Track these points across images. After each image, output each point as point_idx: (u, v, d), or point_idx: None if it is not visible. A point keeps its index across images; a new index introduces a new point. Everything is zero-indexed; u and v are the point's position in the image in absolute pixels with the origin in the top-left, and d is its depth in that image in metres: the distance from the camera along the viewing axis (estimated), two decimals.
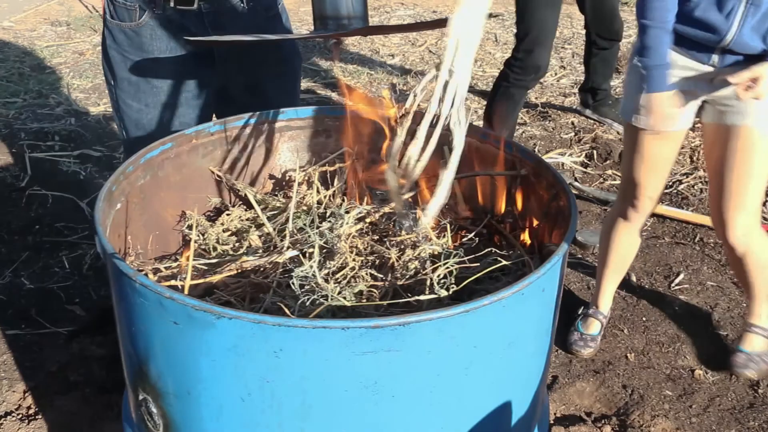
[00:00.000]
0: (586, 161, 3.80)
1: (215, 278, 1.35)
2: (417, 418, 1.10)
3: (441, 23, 1.43)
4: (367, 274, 1.23)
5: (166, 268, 1.43)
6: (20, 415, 2.28)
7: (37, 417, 2.25)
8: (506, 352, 1.13)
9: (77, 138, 3.91)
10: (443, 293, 1.19)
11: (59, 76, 4.71)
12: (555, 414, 2.33)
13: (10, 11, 5.80)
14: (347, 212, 1.37)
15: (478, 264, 1.33)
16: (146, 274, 1.26)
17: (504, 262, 1.35)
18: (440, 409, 1.11)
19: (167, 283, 1.26)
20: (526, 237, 1.45)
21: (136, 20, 1.82)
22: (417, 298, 1.18)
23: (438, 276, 1.21)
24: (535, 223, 1.45)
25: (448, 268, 1.22)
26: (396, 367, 1.04)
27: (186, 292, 1.26)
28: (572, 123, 4.11)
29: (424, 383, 1.07)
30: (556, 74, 4.80)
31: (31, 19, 5.78)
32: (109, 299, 2.73)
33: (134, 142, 1.94)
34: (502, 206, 1.50)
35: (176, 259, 1.47)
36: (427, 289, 1.21)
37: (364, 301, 1.21)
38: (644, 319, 2.74)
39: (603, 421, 2.29)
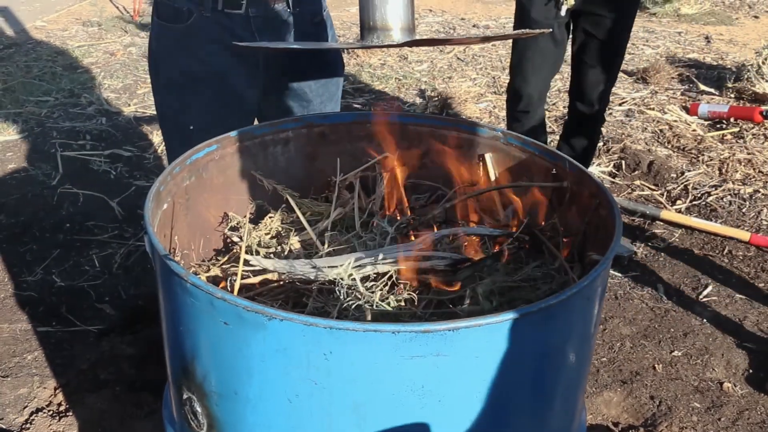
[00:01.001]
0: (614, 171, 3.79)
1: (256, 279, 1.37)
2: (462, 423, 1.11)
3: (487, 39, 1.42)
4: (409, 285, 1.24)
5: (207, 269, 1.45)
6: (51, 412, 2.31)
7: (67, 414, 2.28)
8: (550, 360, 1.14)
9: (108, 137, 3.96)
10: (487, 305, 1.20)
11: (91, 75, 4.76)
12: None
13: (42, 11, 5.88)
14: (390, 225, 1.38)
15: (520, 272, 1.33)
16: (197, 274, 1.27)
17: (539, 273, 1.35)
18: (484, 413, 1.12)
19: (221, 285, 1.27)
20: (567, 247, 1.45)
21: (184, 21, 1.83)
22: (461, 308, 1.18)
23: (483, 291, 1.22)
24: (577, 232, 1.46)
25: (493, 284, 1.22)
26: (443, 371, 1.04)
27: (236, 293, 1.27)
28: (601, 133, 4.10)
29: (471, 388, 1.08)
30: None
31: (63, 19, 5.85)
32: (138, 298, 2.77)
33: (174, 142, 1.96)
34: (543, 216, 1.51)
35: (218, 261, 1.48)
36: (468, 299, 1.22)
37: (407, 309, 1.22)
38: (672, 330, 2.73)
39: None
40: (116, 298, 2.78)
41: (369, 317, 1.12)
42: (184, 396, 1.24)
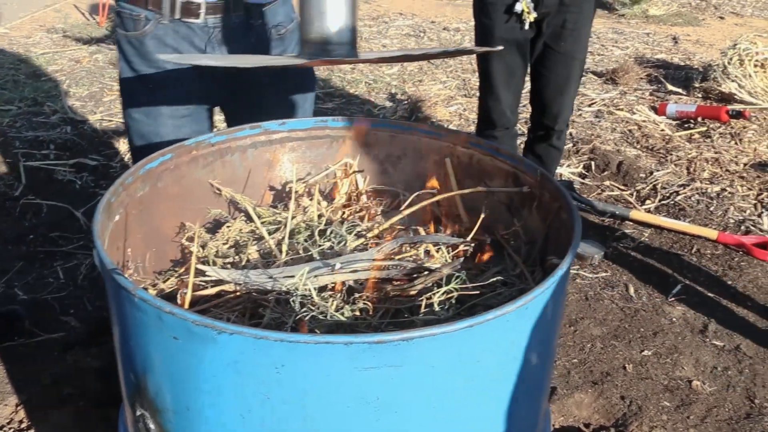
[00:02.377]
0: (584, 172, 3.80)
1: (213, 290, 1.34)
2: None
3: (429, 56, 1.39)
4: (367, 296, 1.21)
5: (164, 281, 1.42)
6: (12, 430, 2.26)
7: (29, 431, 2.23)
8: (510, 366, 1.12)
9: (73, 147, 3.89)
10: (443, 315, 1.18)
11: (55, 83, 4.69)
12: (554, 425, 2.32)
13: (5, 17, 5.79)
14: (348, 232, 1.36)
15: (480, 278, 1.32)
16: (146, 288, 1.25)
17: (499, 278, 1.34)
18: (443, 424, 1.10)
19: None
20: (528, 251, 1.44)
21: (141, 29, 1.81)
22: (417, 318, 1.16)
23: (438, 298, 1.20)
24: (539, 236, 1.44)
25: (449, 293, 1.21)
26: (398, 382, 1.03)
27: (187, 306, 1.24)
28: (570, 134, 4.12)
29: (427, 398, 1.06)
30: None
31: (27, 25, 5.77)
32: (104, 310, 2.71)
33: (140, 154, 1.89)
34: (506, 221, 1.49)
35: (175, 272, 1.45)
36: (423, 307, 1.20)
37: (364, 319, 1.20)
38: (642, 330, 2.73)
39: None
40: (82, 310, 2.73)
41: (322, 329, 1.10)
42: (137, 413, 1.21)
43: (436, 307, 1.18)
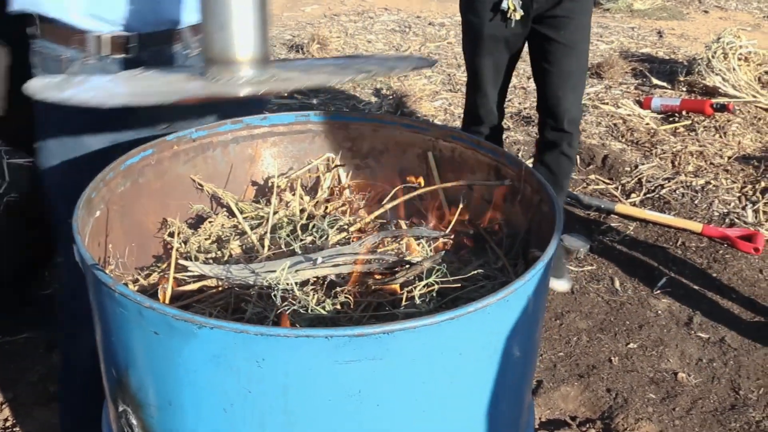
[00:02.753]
0: None
1: (196, 286, 1.34)
2: (402, 426, 1.09)
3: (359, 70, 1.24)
4: (348, 290, 1.21)
5: (146, 276, 1.42)
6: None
7: (14, 429, 2.22)
8: (492, 359, 1.12)
9: None
10: (424, 308, 1.18)
11: None
12: (540, 418, 2.33)
13: None
14: (330, 226, 1.36)
15: (462, 272, 1.32)
16: (126, 284, 1.24)
17: (481, 271, 1.35)
18: (426, 417, 1.10)
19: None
20: (511, 244, 1.45)
21: (65, 71, 1.57)
22: (398, 311, 1.17)
23: (419, 291, 1.20)
24: (521, 229, 1.45)
25: (429, 286, 1.21)
26: (380, 375, 1.03)
27: (167, 301, 1.24)
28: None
29: (409, 391, 1.06)
30: None
31: None
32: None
33: (61, 208, 1.57)
34: (487, 213, 1.50)
35: (157, 268, 1.45)
36: (404, 300, 1.21)
37: (345, 312, 1.20)
38: (628, 323, 2.75)
39: (587, 425, 2.30)
40: None
41: (304, 323, 1.10)
42: (120, 408, 1.20)
43: (417, 300, 1.18)
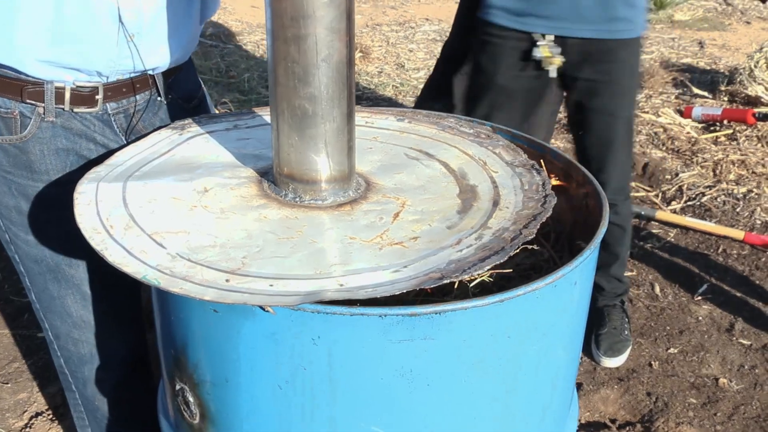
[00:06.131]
0: None
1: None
2: (451, 407, 1.12)
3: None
4: None
5: None
6: (50, 416, 2.32)
7: (66, 417, 2.29)
8: (539, 344, 1.15)
9: None
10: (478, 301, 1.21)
11: None
12: (580, 420, 2.34)
13: None
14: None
15: (508, 264, 1.35)
16: None
17: (531, 263, 1.37)
18: (474, 399, 1.13)
19: None
20: (556, 237, 1.47)
21: (18, 133, 1.37)
22: (447, 301, 1.19)
23: (472, 285, 1.23)
24: (567, 223, 1.47)
25: (480, 276, 1.24)
26: (431, 355, 1.06)
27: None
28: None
29: (459, 372, 1.09)
30: None
31: None
32: None
33: (38, 283, 1.57)
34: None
35: None
36: (455, 288, 1.24)
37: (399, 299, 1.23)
38: (668, 328, 2.74)
39: (627, 428, 2.30)
40: None
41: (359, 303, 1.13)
42: (177, 387, 1.25)
43: (469, 293, 1.22)
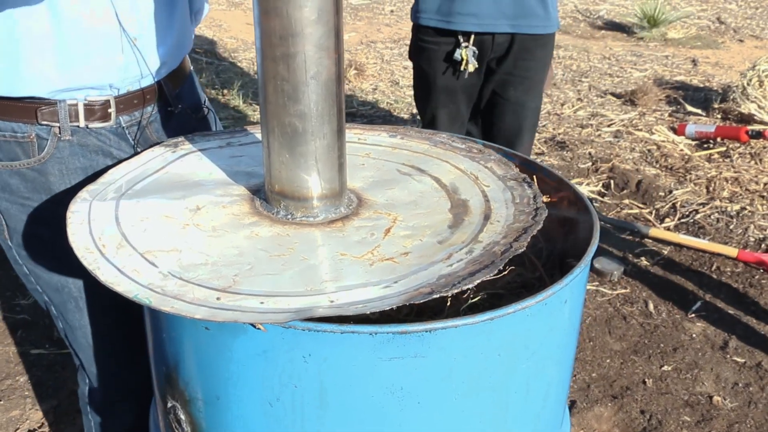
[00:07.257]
0: (603, 191, 3.83)
1: None
2: (441, 425, 1.12)
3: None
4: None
5: None
6: None
7: None
8: (530, 361, 1.15)
9: None
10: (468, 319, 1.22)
11: None
12: None
13: None
14: None
15: (499, 282, 1.35)
16: None
17: (522, 281, 1.38)
18: (465, 416, 1.13)
19: None
20: (548, 255, 1.48)
21: (36, 155, 1.38)
22: (437, 321, 1.20)
23: (464, 306, 1.24)
24: (557, 240, 1.48)
25: (474, 298, 1.25)
26: (422, 373, 1.06)
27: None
28: (589, 153, 4.15)
29: (450, 390, 1.09)
30: (573, 106, 4.85)
31: None
32: None
33: (65, 313, 1.55)
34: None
35: None
36: (447, 307, 1.24)
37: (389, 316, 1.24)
38: (662, 345, 2.75)
39: None
40: None
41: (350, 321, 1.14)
42: (168, 404, 1.25)
43: (461, 312, 1.23)
